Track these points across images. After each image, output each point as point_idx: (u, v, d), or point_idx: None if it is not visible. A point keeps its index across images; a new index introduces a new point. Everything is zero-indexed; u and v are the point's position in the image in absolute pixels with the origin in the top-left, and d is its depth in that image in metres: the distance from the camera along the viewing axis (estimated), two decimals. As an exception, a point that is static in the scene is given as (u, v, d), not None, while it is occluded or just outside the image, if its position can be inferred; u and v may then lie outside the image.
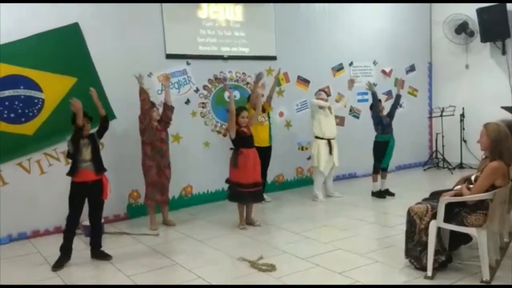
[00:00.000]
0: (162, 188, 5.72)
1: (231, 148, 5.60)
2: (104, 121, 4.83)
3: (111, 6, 6.02)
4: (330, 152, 6.68)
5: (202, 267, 4.30)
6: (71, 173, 4.56)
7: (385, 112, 6.89)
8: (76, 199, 4.54)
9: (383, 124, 6.72)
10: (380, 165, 6.82)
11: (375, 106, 6.77)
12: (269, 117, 6.86)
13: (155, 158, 5.61)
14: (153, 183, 5.64)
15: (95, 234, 4.74)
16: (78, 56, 5.74)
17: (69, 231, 4.58)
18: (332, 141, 6.70)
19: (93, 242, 4.72)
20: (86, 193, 4.58)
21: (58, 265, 4.43)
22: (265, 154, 6.45)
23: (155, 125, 5.61)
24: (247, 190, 5.41)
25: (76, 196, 4.54)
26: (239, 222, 5.56)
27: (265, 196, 6.64)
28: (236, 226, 5.55)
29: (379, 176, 6.86)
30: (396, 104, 6.98)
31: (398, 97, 7.05)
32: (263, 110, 6.45)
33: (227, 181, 5.61)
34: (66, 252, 4.54)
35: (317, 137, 6.72)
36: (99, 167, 4.64)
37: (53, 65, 5.57)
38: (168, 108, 5.77)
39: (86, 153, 4.58)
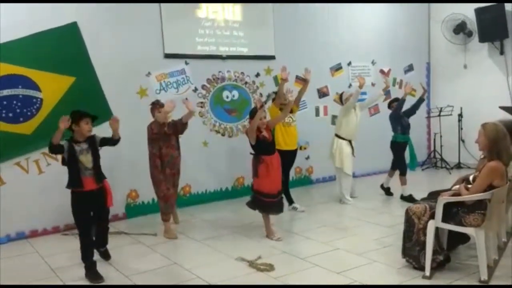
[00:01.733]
0: (174, 201, 5.51)
1: (251, 153, 5.15)
2: (116, 141, 4.44)
3: (110, 5, 6.01)
4: (353, 153, 6.50)
5: (201, 266, 4.30)
6: (72, 184, 4.12)
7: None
8: (83, 212, 4.15)
9: (402, 125, 6.56)
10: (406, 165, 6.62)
11: (399, 108, 6.55)
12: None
13: (165, 169, 5.29)
14: (165, 197, 5.32)
15: (101, 234, 4.53)
16: (76, 55, 5.74)
17: (88, 251, 4.19)
18: (352, 142, 6.54)
19: (99, 242, 4.54)
20: (91, 202, 4.19)
21: (98, 276, 4.13)
22: (292, 157, 6.23)
23: (163, 130, 5.23)
24: (270, 200, 5.00)
25: (82, 208, 4.14)
26: (268, 233, 5.11)
27: (297, 205, 6.37)
28: (265, 237, 5.11)
29: (406, 178, 6.60)
30: (417, 106, 6.75)
31: (422, 101, 6.81)
32: (291, 111, 5.82)
33: (252, 188, 5.20)
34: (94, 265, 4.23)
35: (338, 136, 6.51)
36: (99, 175, 4.25)
37: (51, 64, 5.57)
38: (181, 123, 5.37)
39: (86, 160, 4.15)
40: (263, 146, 4.99)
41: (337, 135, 6.54)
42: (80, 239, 4.19)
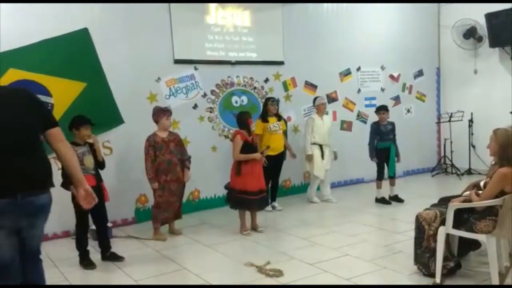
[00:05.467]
0: (169, 207, 5.43)
1: None
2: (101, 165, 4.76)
3: (120, 12, 6.07)
4: (322, 157, 6.84)
5: (210, 272, 4.30)
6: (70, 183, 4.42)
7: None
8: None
9: (382, 133, 6.75)
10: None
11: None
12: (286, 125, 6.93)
13: (161, 176, 5.29)
14: (158, 204, 5.37)
15: (104, 237, 4.77)
16: (87, 61, 5.77)
17: (83, 237, 4.65)
18: (323, 146, 6.86)
19: (102, 245, 4.76)
20: None
21: (91, 263, 4.58)
22: (278, 160, 6.57)
23: (161, 138, 5.30)
24: (252, 197, 5.38)
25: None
26: (241, 228, 5.54)
27: (276, 204, 6.71)
28: (238, 232, 5.54)
29: (383, 183, 6.86)
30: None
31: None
32: (280, 118, 6.61)
33: (227, 187, 5.64)
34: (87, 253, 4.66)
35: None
36: (98, 175, 4.67)
37: (62, 70, 5.61)
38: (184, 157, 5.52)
39: (89, 162, 4.52)
40: (246, 149, 5.43)
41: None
42: (78, 232, 4.64)
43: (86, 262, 4.57)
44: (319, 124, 6.82)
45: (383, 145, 6.71)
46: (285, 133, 6.79)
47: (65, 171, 4.33)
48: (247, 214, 5.60)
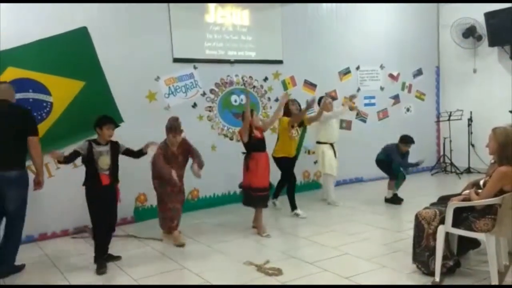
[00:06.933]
0: (176, 212, 5.28)
1: (243, 153, 5.52)
2: (142, 155, 4.88)
3: (119, 11, 6.07)
4: (335, 155, 6.75)
5: (209, 271, 4.30)
6: (89, 181, 4.44)
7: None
8: (97, 204, 4.43)
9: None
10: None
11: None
12: (305, 131, 6.70)
13: (167, 187, 5.19)
14: (165, 207, 5.26)
15: (107, 237, 4.66)
16: (86, 60, 5.75)
17: (102, 237, 4.55)
18: (334, 144, 6.78)
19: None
20: (104, 196, 4.47)
21: (103, 266, 4.46)
22: (292, 161, 6.34)
23: (171, 150, 5.25)
24: (256, 194, 5.37)
25: (96, 200, 4.43)
26: (259, 229, 5.44)
27: (277, 202, 6.71)
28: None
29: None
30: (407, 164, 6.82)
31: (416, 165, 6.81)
32: (300, 124, 6.29)
33: (241, 186, 5.61)
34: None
35: (320, 142, 6.75)
36: (114, 175, 4.58)
37: (61, 69, 5.59)
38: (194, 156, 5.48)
39: (103, 162, 4.46)
40: (254, 144, 5.40)
41: (318, 142, 6.75)
42: (94, 231, 4.52)
43: (99, 264, 4.45)
44: (330, 122, 6.69)
45: (396, 166, 6.67)
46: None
47: (88, 170, 4.48)
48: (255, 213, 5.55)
